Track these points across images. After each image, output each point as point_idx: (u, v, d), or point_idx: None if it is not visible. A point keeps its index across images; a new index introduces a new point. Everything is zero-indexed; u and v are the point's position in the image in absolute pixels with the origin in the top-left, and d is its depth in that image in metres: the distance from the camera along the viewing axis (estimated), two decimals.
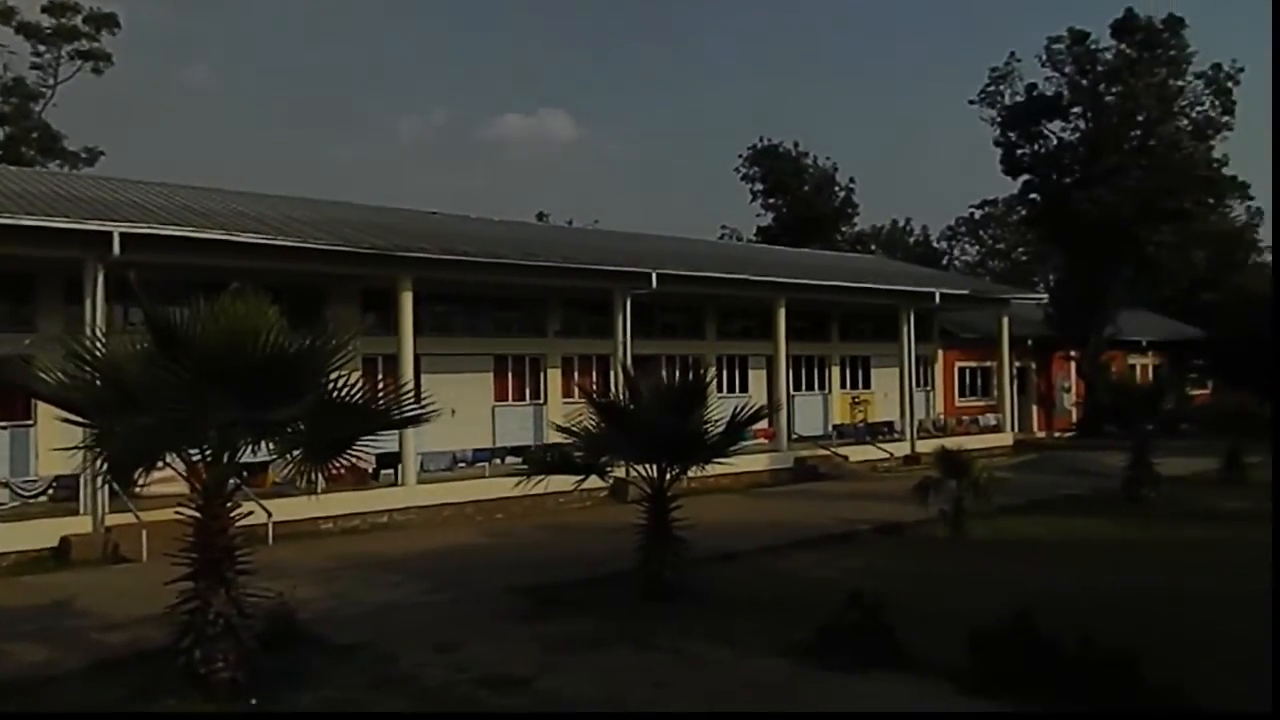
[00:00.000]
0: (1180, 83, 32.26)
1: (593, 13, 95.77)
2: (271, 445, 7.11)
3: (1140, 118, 32.09)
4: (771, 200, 51.17)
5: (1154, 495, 16.39)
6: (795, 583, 10.59)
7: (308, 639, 8.00)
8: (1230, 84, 31.86)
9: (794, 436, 24.13)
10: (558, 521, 15.75)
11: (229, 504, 7.06)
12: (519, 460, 15.99)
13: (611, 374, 19.64)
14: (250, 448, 7.12)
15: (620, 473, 11.34)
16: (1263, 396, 22.77)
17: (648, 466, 10.05)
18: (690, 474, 10.51)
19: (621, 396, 11.48)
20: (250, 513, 7.86)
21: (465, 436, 18.58)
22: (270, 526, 13.80)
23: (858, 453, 24.12)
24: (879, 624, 7.34)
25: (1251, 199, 49.07)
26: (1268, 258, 52.39)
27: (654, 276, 19.50)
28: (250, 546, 7.26)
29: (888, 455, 24.47)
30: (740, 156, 51.38)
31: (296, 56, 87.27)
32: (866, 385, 28.39)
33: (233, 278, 7.54)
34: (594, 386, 20.01)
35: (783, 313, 22.74)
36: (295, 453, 7.00)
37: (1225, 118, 32.03)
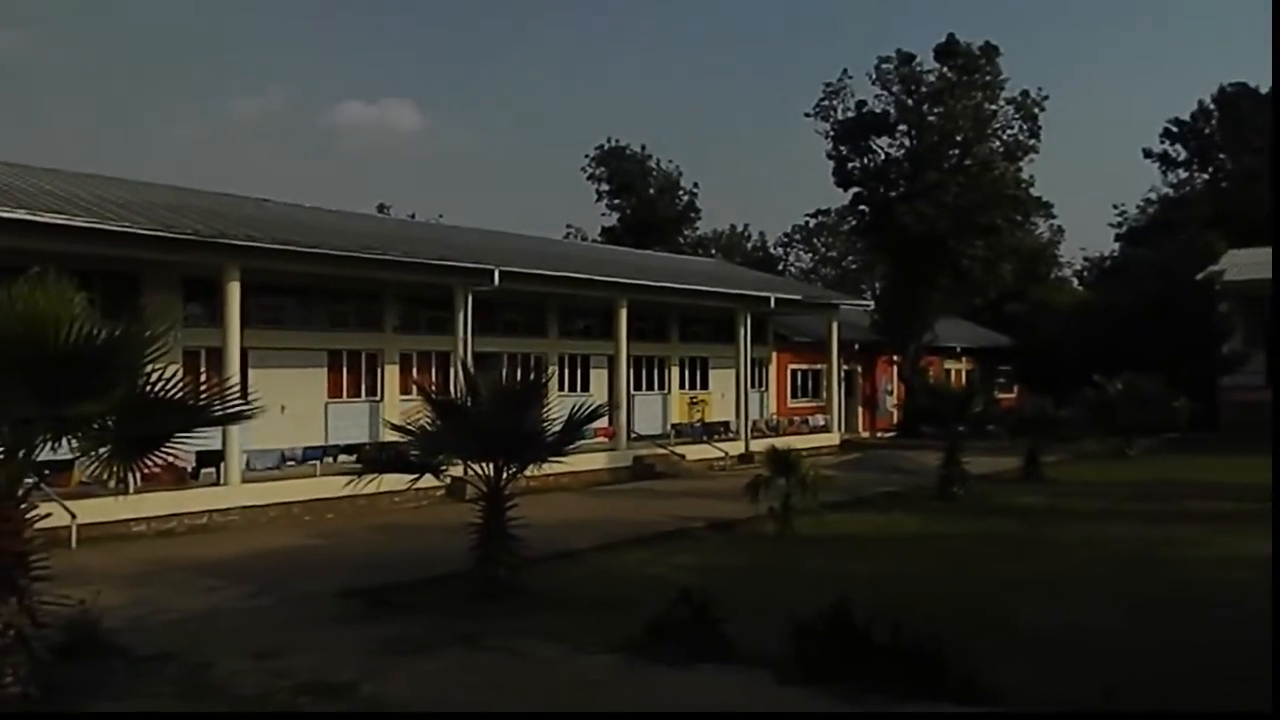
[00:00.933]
0: (994, 107, 34.69)
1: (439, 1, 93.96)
2: (75, 442, 6.65)
3: (959, 138, 34.27)
4: (617, 201, 51.67)
5: (962, 492, 17.54)
6: (629, 580, 10.75)
7: (112, 649, 7.51)
8: (1037, 110, 34.51)
9: (633, 435, 24.46)
10: (392, 522, 15.38)
11: (24, 505, 6.54)
12: (353, 459, 15.58)
13: (452, 371, 19.35)
14: (51, 445, 6.63)
15: (459, 471, 11.20)
16: (1058, 401, 24.72)
17: (485, 465, 9.98)
18: (529, 472, 10.49)
19: (459, 394, 11.33)
20: (49, 515, 7.29)
21: (296, 434, 17.89)
22: (74, 529, 12.87)
23: (695, 451, 24.67)
24: (707, 619, 7.55)
25: (1054, 217, 53.18)
26: (1067, 272, 57.13)
27: (496, 273, 19.35)
28: (49, 551, 6.76)
29: (723, 454, 25.14)
30: (587, 156, 51.68)
31: (124, 23, 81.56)
32: (704, 386, 29.07)
33: (36, 262, 6.99)
34: (433, 384, 19.65)
35: (624, 313, 23.01)
36: (102, 450, 6.57)
37: (1032, 141, 34.69)
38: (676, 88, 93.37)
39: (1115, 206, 58.42)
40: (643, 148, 51.74)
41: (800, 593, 9.51)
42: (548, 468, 10.52)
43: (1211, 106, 50.50)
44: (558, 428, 10.23)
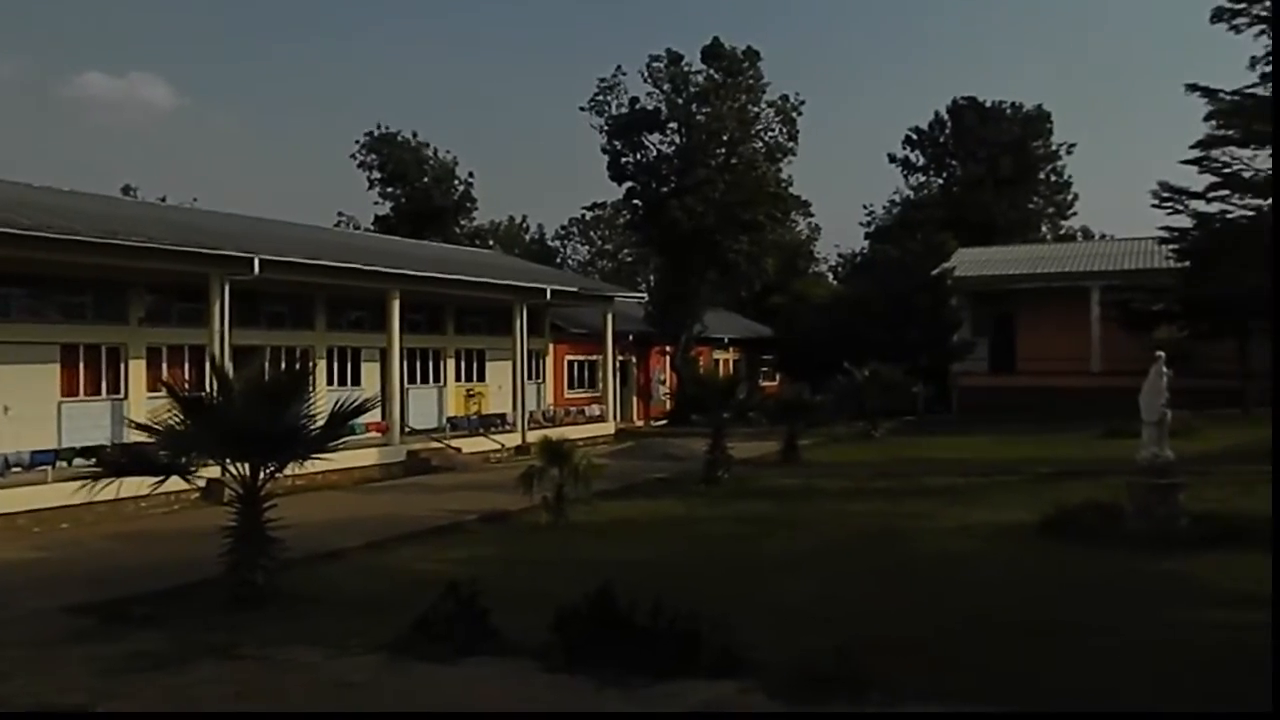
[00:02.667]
0: (757, 109, 36.50)
1: None
2: None
3: (725, 137, 35.81)
4: (390, 190, 50.15)
5: (727, 476, 18.43)
6: (398, 577, 10.55)
7: None
8: (795, 114, 36.64)
9: (407, 430, 23.92)
10: (137, 529, 14.25)
11: None
12: (91, 462, 14.29)
13: (208, 366, 18.12)
14: None
15: (216, 472, 10.54)
16: (814, 388, 26.49)
17: (241, 464, 9.47)
18: (294, 471, 10.06)
19: (211, 390, 10.66)
20: None
21: (22, 436, 16.22)
22: None
23: (471, 444, 24.45)
24: (474, 611, 7.56)
25: (812, 215, 56.78)
26: (823, 267, 61.14)
27: (256, 262, 18.31)
28: None
29: (500, 446, 25.08)
30: (357, 143, 49.83)
31: None
32: (481, 378, 28.85)
33: None
34: (188, 380, 18.37)
35: (397, 304, 22.43)
36: None
37: (791, 144, 36.79)
38: (452, 75, 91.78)
39: (865, 207, 63.39)
40: (415, 135, 50.54)
41: (570, 580, 9.66)
42: (314, 465, 10.13)
43: (945, 117, 55.64)
44: (322, 423, 9.86)
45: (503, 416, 27.02)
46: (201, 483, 12.27)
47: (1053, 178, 56.27)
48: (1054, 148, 55.46)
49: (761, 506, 15.66)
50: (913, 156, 57.06)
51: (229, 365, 15.60)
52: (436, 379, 27.22)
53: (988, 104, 54.71)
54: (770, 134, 36.94)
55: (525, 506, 14.49)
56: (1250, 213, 18.59)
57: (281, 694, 6.69)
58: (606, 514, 14.97)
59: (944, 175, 55.81)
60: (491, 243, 57.21)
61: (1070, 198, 57.01)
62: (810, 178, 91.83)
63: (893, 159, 57.55)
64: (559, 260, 63.86)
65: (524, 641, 7.40)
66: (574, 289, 29.89)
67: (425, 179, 49.94)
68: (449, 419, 26.25)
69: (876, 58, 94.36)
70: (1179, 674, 6.76)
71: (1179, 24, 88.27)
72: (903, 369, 28.38)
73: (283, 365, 20.63)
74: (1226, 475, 16.01)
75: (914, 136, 56.79)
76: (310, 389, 9.98)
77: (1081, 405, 27.28)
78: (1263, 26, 17.54)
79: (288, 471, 9.96)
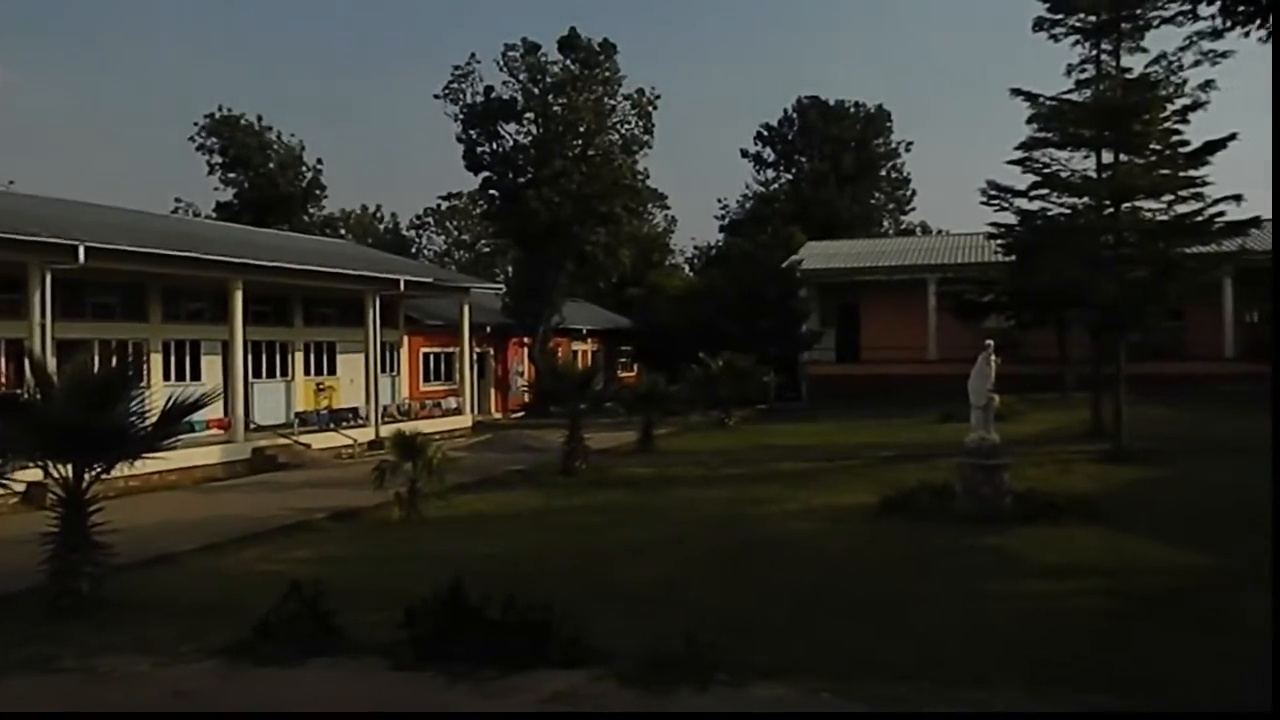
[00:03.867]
0: (613, 101, 36.65)
1: None
2: None
3: (581, 129, 35.80)
4: (232, 175, 47.88)
5: (584, 467, 18.53)
6: (239, 580, 10.14)
7: None
8: (651, 108, 36.99)
9: (252, 426, 22.97)
10: None
11: None
12: None
13: (27, 361, 16.88)
14: None
15: (38, 475, 9.85)
16: (671, 378, 26.95)
17: (63, 466, 8.89)
18: (126, 471, 9.48)
19: (28, 387, 9.93)
20: None
21: None
22: None
23: (321, 440, 23.68)
24: (319, 612, 7.37)
25: (669, 208, 57.59)
26: (680, 259, 62.05)
27: (82, 250, 17.15)
28: None
29: (352, 441, 24.39)
30: (196, 125, 47.32)
31: None
32: (332, 371, 27.96)
33: None
34: (3, 376, 17.08)
35: (240, 295, 21.46)
36: None
37: (646, 137, 37.13)
38: (299, 58, 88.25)
39: (719, 201, 64.64)
40: (260, 119, 48.41)
41: (422, 576, 9.52)
42: (148, 465, 9.61)
43: (793, 115, 57.43)
44: (154, 421, 9.35)
45: (355, 411, 26.28)
46: (21, 487, 11.49)
47: (893, 175, 58.95)
48: (894, 146, 58.11)
49: (617, 495, 15.83)
50: (763, 152, 58.63)
51: (50, 360, 14.59)
52: (284, 373, 26.21)
53: (831, 103, 56.79)
54: (626, 127, 37.19)
55: (377, 502, 14.17)
56: (1068, 210, 19.97)
57: (106, 708, 6.34)
58: (462, 508, 14.80)
59: (792, 171, 57.59)
60: (343, 232, 55.50)
61: (909, 194, 59.89)
62: (667, 171, 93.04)
63: (745, 154, 59.01)
64: (414, 251, 62.53)
65: (372, 640, 7.28)
66: (429, 280, 29.36)
67: (270, 164, 47.93)
68: (298, 414, 25.33)
69: (732, 54, 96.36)
70: (997, 640, 7.26)
71: (1009, 30, 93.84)
72: (755, 358, 29.16)
73: (113, 360, 19.43)
74: (1046, 455, 17.23)
75: (764, 133, 58.37)
76: (142, 384, 9.42)
77: (920, 391, 28.74)
78: (1078, 36, 18.88)
79: (118, 472, 9.41)
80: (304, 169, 49.57)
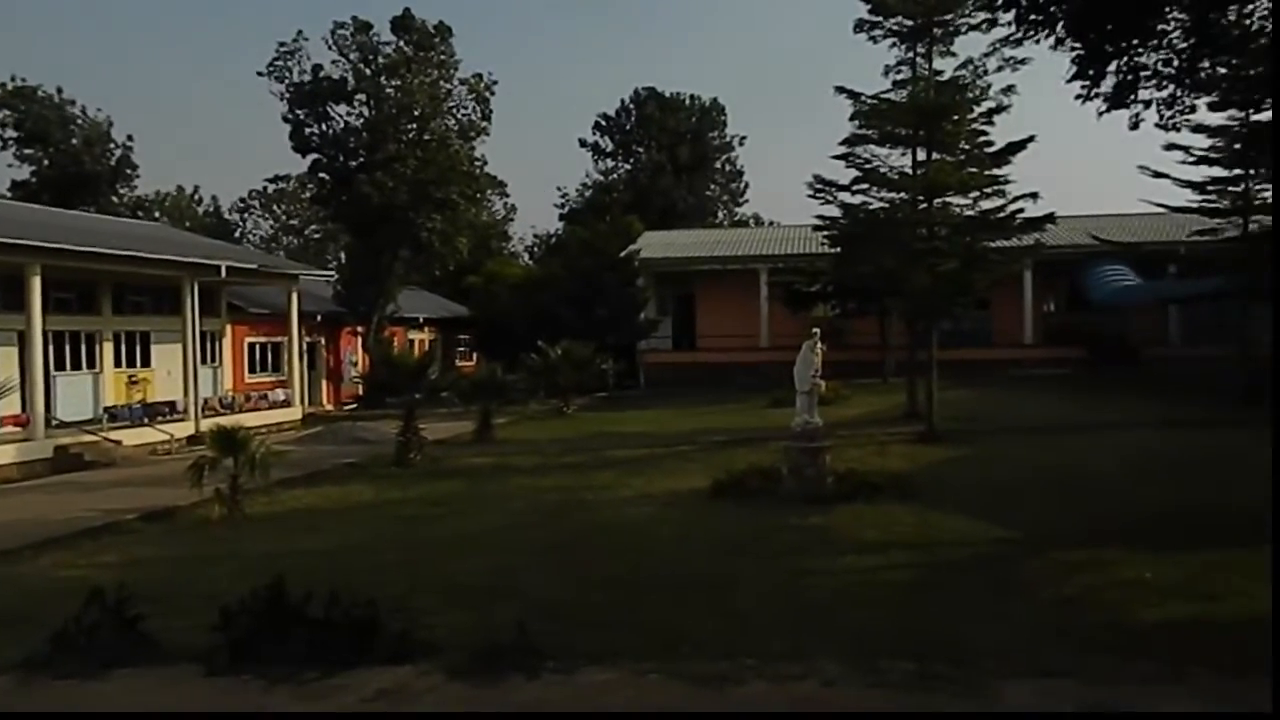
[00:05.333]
0: (449, 86, 35.97)
1: None
2: None
3: (416, 112, 34.98)
4: (29, 151, 44.13)
5: (419, 458, 18.20)
6: (35, 588, 9.41)
7: None
8: (488, 93, 36.52)
9: (54, 422, 21.36)
10: None
11: None
12: None
13: None
14: None
15: None
16: (510, 366, 26.77)
17: None
18: None
19: None
20: None
21: None
22: None
23: (135, 436, 22.28)
24: (125, 619, 6.96)
25: (508, 196, 57.10)
26: (519, 247, 61.71)
27: None
28: None
29: (169, 437, 23.05)
30: None
31: None
32: (146, 363, 26.30)
33: None
34: None
35: (38, 281, 19.86)
36: None
37: (484, 123, 36.65)
38: (107, 27, 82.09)
39: (559, 189, 64.57)
40: (60, 91, 44.79)
41: (242, 576, 9.14)
42: None
43: (631, 106, 58.02)
44: None
45: (173, 404, 24.80)
46: None
47: (727, 167, 60.53)
48: (728, 139, 59.63)
49: (452, 486, 15.64)
50: (602, 142, 58.98)
51: None
52: (91, 365, 24.45)
53: (668, 94, 57.72)
54: (463, 112, 36.60)
55: (195, 501, 13.50)
56: (886, 205, 21.07)
57: None
58: (288, 503, 14.31)
59: (631, 161, 58.19)
60: (158, 215, 52.17)
61: (743, 186, 61.67)
62: (507, 159, 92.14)
63: (583, 144, 59.17)
64: (238, 235, 59.54)
65: (185, 646, 6.93)
66: (253, 266, 27.99)
67: (73, 141, 44.46)
68: (107, 409, 23.66)
69: (570, 43, 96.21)
70: (816, 614, 7.63)
71: (837, 30, 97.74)
72: (593, 347, 29.36)
73: None
74: (866, 437, 18.17)
75: (603, 123, 58.70)
76: None
77: (753, 378, 29.73)
78: (895, 39, 19.92)
79: None
80: (112, 146, 46.25)
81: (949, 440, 17.36)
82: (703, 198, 58.08)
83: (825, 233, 24.63)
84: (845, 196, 21.86)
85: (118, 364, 25.35)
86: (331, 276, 36.40)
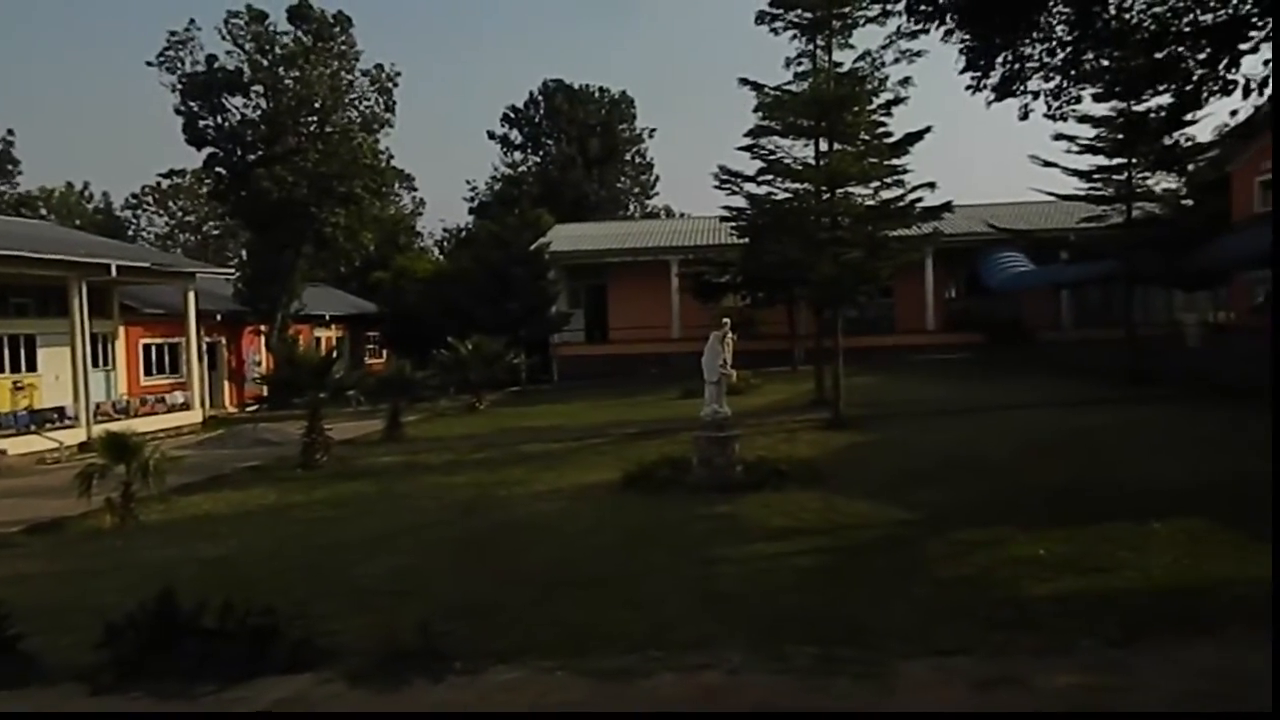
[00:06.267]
0: (350, 77, 35.16)
1: None
2: None
3: (316, 104, 34.10)
4: None
5: (326, 459, 17.77)
6: None
7: None
8: (391, 85, 35.81)
9: None
10: None
11: None
12: None
13: None
14: None
15: None
16: (421, 363, 26.34)
17: None
18: None
19: None
20: None
21: None
22: None
23: (20, 444, 21.29)
24: (3, 639, 6.60)
25: (416, 190, 56.15)
26: (429, 242, 60.68)
27: None
28: None
29: (58, 444, 22.04)
30: None
31: None
32: (32, 367, 25.10)
33: None
34: None
35: None
36: None
37: (388, 115, 35.93)
38: None
39: (468, 182, 63.77)
40: None
41: (133, 589, 8.74)
42: None
43: (539, 98, 57.59)
44: None
45: (62, 410, 23.71)
46: None
47: (637, 159, 60.60)
48: (638, 132, 59.69)
49: (360, 487, 15.32)
50: (511, 134, 58.41)
51: None
52: None
53: (576, 86, 57.47)
54: (366, 104, 35.84)
55: (85, 511, 12.91)
56: (790, 195, 21.35)
57: None
58: (185, 510, 13.84)
59: (540, 154, 57.79)
60: (44, 212, 49.79)
61: (653, 179, 61.82)
62: (415, 152, 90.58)
63: (492, 136, 58.51)
64: (131, 233, 57.17)
65: (70, 665, 6.61)
66: (146, 264, 26.97)
67: None
68: None
69: (476, 34, 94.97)
70: (723, 603, 7.69)
71: (741, 22, 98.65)
72: (505, 341, 29.10)
73: None
74: (775, 425, 18.41)
75: (511, 115, 58.13)
76: None
77: (665, 369, 29.88)
78: (796, 31, 20.15)
79: None
80: None
81: (855, 426, 17.71)
82: (613, 190, 58.05)
83: (733, 224, 24.85)
84: (751, 187, 22.10)
85: (0, 370, 24.13)
86: (231, 274, 35.29)
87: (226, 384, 33.95)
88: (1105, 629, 6.56)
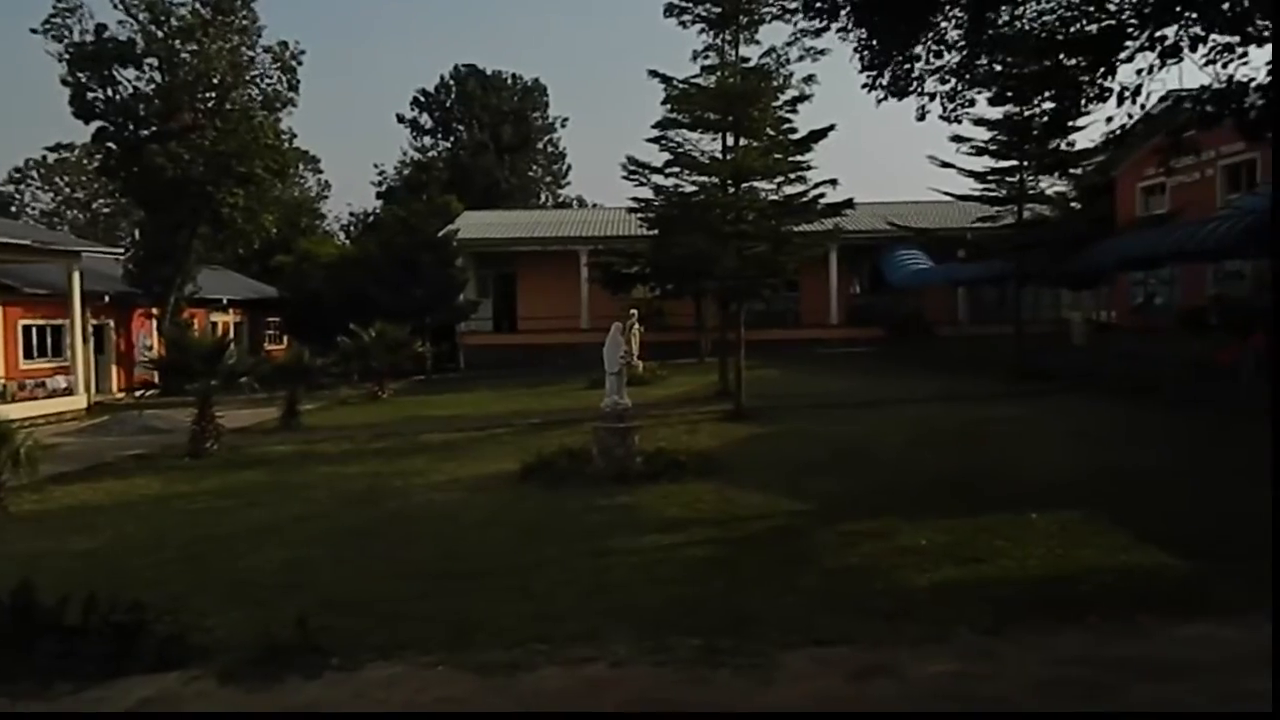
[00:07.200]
0: (252, 53, 33.94)
1: None
2: None
3: (215, 80, 32.83)
4: None
5: (216, 448, 17.18)
6: None
7: None
8: (295, 63, 34.70)
9: None
10: None
11: None
12: None
13: None
14: None
15: None
16: (324, 350, 25.66)
17: None
18: None
19: None
20: None
21: None
22: None
23: None
24: None
25: (321, 171, 54.68)
26: (335, 226, 59.19)
27: None
28: None
29: None
30: None
31: None
32: None
33: None
34: None
35: None
36: None
37: (291, 94, 34.81)
38: None
39: (376, 166, 62.40)
40: None
41: None
42: None
43: (451, 82, 56.65)
44: None
45: None
46: None
47: (550, 148, 60.18)
48: (550, 120, 59.26)
49: (251, 476, 14.86)
50: (421, 119, 57.35)
51: None
52: None
53: (489, 72, 56.74)
54: (268, 81, 34.62)
55: None
56: (697, 188, 21.48)
57: None
58: (61, 500, 13.22)
59: (451, 139, 56.90)
60: None
61: (565, 168, 61.50)
62: (321, 133, 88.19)
63: (401, 120, 57.36)
64: (13, 209, 54.28)
65: None
66: (25, 241, 25.59)
67: None
68: None
69: (387, 14, 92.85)
70: (613, 595, 7.67)
71: (653, 12, 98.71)
72: (410, 328, 28.57)
73: None
74: (678, 417, 18.50)
75: (422, 99, 57.06)
76: None
77: (573, 359, 29.73)
78: (703, 25, 20.24)
79: None
80: None
81: (756, 418, 17.92)
82: (525, 179, 57.55)
83: (641, 215, 24.87)
84: (659, 179, 22.13)
85: None
86: (120, 254, 33.80)
87: (115, 369, 32.52)
88: (980, 617, 6.76)
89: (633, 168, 21.91)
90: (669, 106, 20.70)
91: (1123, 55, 8.60)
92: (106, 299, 30.95)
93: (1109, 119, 9.08)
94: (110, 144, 33.45)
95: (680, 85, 20.45)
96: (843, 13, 9.12)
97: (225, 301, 38.20)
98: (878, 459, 13.37)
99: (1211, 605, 6.75)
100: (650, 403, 19.35)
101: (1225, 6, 7.74)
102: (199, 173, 31.83)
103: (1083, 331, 27.45)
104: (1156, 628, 6.40)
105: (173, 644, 6.46)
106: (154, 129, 32.36)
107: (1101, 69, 8.83)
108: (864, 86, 10.29)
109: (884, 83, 9.94)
